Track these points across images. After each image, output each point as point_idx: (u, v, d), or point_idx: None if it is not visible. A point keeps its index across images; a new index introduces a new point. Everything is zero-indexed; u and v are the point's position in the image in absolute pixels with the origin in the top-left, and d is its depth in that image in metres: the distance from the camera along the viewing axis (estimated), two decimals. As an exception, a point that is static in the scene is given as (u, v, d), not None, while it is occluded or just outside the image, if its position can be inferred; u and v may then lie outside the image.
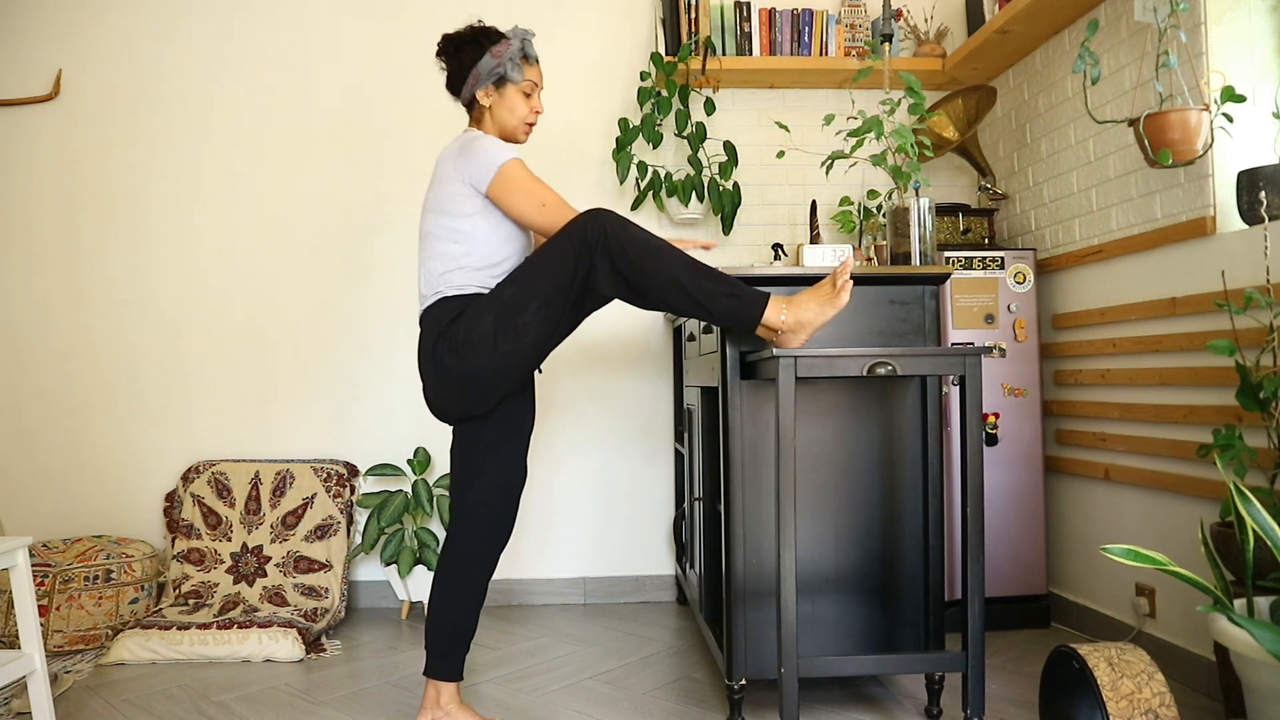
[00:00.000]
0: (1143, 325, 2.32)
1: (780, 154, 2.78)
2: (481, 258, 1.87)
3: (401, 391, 3.11)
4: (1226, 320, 2.02)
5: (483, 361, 1.80)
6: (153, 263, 3.10)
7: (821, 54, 3.06)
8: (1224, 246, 2.05)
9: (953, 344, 2.68)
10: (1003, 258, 2.72)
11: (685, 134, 3.00)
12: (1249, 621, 1.48)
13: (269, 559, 2.88)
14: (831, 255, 2.44)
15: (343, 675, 2.38)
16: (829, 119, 2.45)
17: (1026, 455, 2.68)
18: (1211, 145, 2.04)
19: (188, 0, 3.12)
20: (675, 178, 3.04)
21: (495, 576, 3.01)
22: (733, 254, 3.15)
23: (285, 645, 2.50)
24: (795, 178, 3.19)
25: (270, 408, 3.10)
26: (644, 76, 3.02)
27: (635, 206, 3.06)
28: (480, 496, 1.89)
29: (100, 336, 3.08)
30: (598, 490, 3.15)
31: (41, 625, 2.46)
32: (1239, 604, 1.68)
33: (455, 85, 1.97)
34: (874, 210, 2.69)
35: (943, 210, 2.90)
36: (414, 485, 2.93)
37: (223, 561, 2.88)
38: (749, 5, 3.05)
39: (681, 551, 2.84)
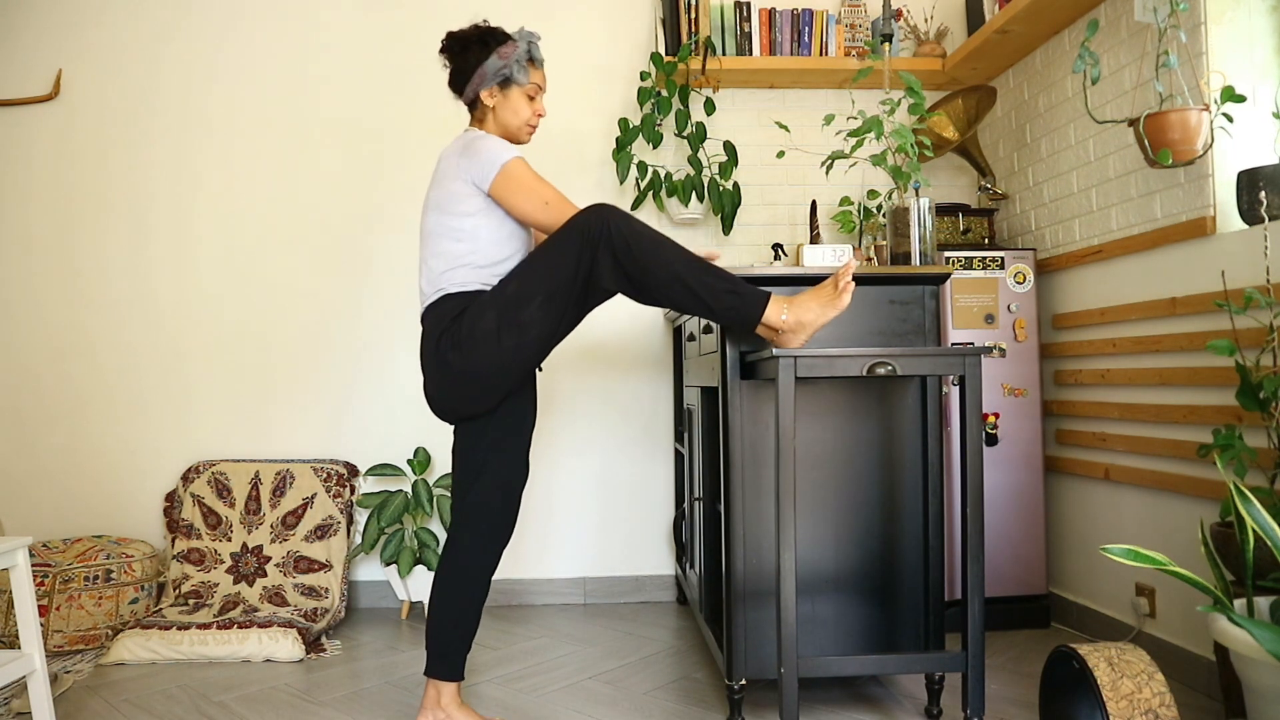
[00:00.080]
0: (1143, 325, 2.32)
1: (780, 154, 2.78)
2: (484, 256, 1.87)
3: (401, 391, 3.11)
4: (1226, 320, 2.02)
5: (486, 357, 1.80)
6: (152, 262, 3.10)
7: (821, 54, 3.06)
8: (1224, 246, 2.05)
9: (953, 344, 2.68)
10: (1003, 258, 2.72)
11: (685, 134, 3.00)
12: (1249, 621, 1.48)
13: (269, 559, 2.88)
14: (831, 255, 2.44)
15: (343, 675, 2.38)
16: (829, 119, 2.45)
17: (1026, 455, 2.68)
18: (1211, 145, 2.04)
19: (188, 0, 3.13)
20: (675, 178, 3.04)
21: (495, 576, 3.01)
22: (733, 254, 3.15)
23: (285, 645, 2.50)
24: (795, 178, 3.19)
25: (270, 408, 3.10)
26: (644, 76, 3.02)
27: (635, 206, 3.06)
28: (481, 496, 1.89)
29: (100, 336, 3.08)
30: (598, 490, 3.15)
31: (41, 625, 2.46)
32: (1239, 604, 1.68)
33: (458, 83, 1.97)
34: (874, 210, 2.69)
35: (943, 210, 2.90)
36: (414, 485, 2.93)
37: (223, 561, 2.88)
38: (749, 5, 3.05)
39: (681, 551, 2.84)
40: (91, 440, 3.07)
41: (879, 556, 2.04)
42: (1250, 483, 1.88)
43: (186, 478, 2.99)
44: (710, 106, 3.05)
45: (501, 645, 2.64)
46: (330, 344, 3.12)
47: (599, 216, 1.78)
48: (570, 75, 3.13)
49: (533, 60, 1.95)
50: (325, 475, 2.98)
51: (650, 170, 3.02)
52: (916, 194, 2.31)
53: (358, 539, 3.01)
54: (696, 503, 2.50)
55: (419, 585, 2.91)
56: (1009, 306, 2.70)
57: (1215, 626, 1.63)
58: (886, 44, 2.67)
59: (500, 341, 1.79)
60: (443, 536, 2.96)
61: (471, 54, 1.93)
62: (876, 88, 3.02)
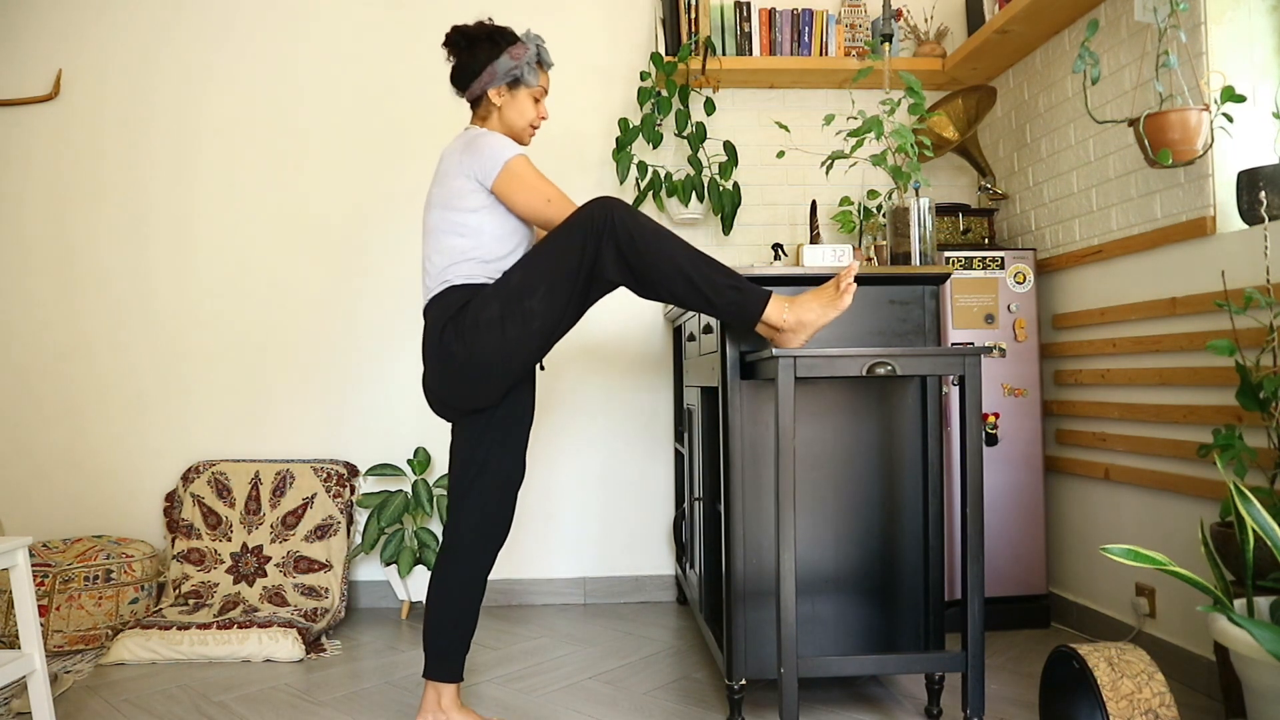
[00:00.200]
0: (1143, 325, 2.32)
1: (780, 154, 2.78)
2: (487, 251, 1.87)
3: (401, 391, 3.11)
4: (1226, 320, 2.02)
5: (490, 348, 1.80)
6: (152, 262, 3.10)
7: (821, 54, 3.06)
8: (1224, 246, 2.05)
9: (953, 344, 2.68)
10: (1003, 258, 2.72)
11: (685, 134, 3.00)
12: (1249, 621, 1.48)
13: (269, 559, 2.88)
14: (831, 255, 2.44)
15: (343, 675, 2.38)
16: (829, 119, 2.45)
17: (1026, 455, 2.68)
18: (1211, 145, 2.04)
19: (187, 0, 3.13)
20: (675, 178, 3.04)
21: (495, 576, 3.03)
22: (733, 254, 3.15)
23: (285, 645, 2.50)
24: (795, 178, 3.19)
25: (270, 408, 3.10)
26: (644, 76, 3.02)
27: (635, 206, 3.06)
28: (480, 495, 1.89)
29: (99, 336, 3.08)
30: (598, 490, 3.15)
31: (41, 625, 2.46)
32: (1239, 604, 1.68)
33: (463, 79, 1.97)
34: (874, 210, 2.69)
35: (943, 210, 2.90)
36: (414, 485, 2.93)
37: (223, 561, 2.88)
38: (749, 5, 3.05)
39: (681, 551, 2.84)
40: (91, 440, 3.07)
41: (879, 556, 2.04)
42: (1250, 483, 1.88)
43: (186, 478, 2.99)
44: (710, 106, 3.05)
45: (501, 645, 2.64)
46: (330, 344, 3.12)
47: (603, 208, 1.79)
48: (570, 75, 3.13)
49: (541, 63, 1.97)
50: (325, 475, 2.98)
51: (650, 170, 3.02)
52: (916, 194, 2.31)
53: (358, 539, 3.01)
54: (696, 503, 2.50)
55: (419, 585, 2.91)
56: (1009, 306, 2.71)
57: (1215, 626, 1.63)
58: (886, 44, 2.67)
59: (504, 331, 1.79)
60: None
61: (480, 51, 1.93)
62: (876, 88, 3.02)
